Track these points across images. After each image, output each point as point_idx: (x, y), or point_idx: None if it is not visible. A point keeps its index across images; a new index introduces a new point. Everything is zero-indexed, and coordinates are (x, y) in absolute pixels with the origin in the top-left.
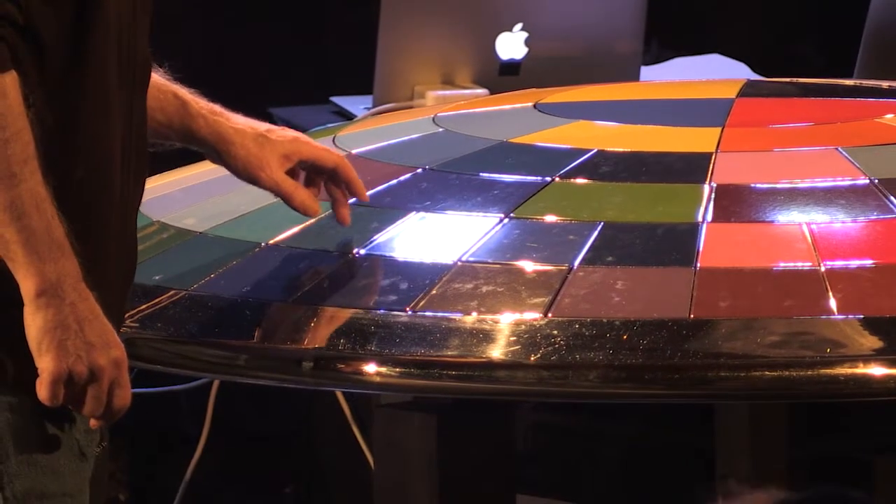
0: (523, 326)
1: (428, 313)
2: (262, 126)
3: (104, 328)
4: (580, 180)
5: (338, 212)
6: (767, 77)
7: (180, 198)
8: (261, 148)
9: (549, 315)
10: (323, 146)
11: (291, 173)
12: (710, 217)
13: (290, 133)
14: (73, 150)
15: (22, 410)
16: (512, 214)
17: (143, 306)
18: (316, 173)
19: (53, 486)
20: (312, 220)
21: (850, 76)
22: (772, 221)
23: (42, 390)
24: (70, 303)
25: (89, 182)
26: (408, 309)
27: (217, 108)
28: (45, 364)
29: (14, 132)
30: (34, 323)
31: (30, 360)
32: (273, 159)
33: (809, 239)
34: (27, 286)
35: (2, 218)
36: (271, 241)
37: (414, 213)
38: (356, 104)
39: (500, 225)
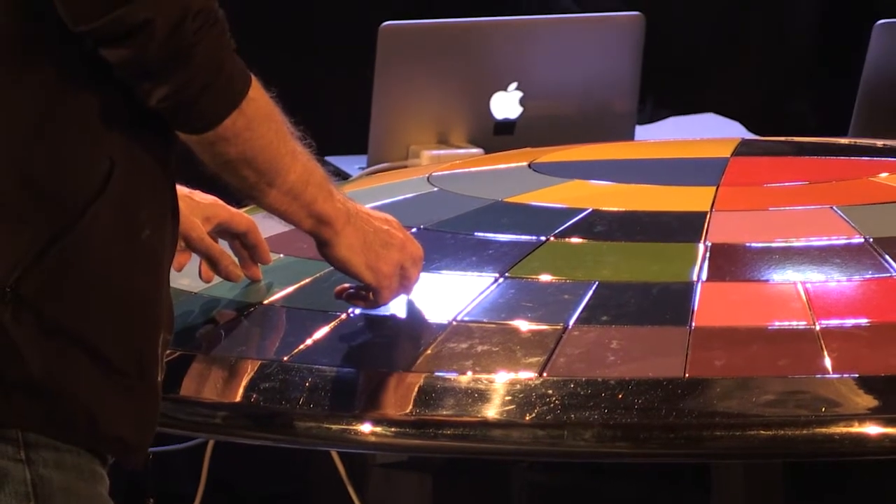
0: (518, 386)
1: (423, 373)
2: (185, 188)
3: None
4: (575, 239)
5: (249, 270)
6: (762, 136)
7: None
8: (190, 210)
9: (544, 374)
10: (236, 210)
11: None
12: (704, 276)
13: (209, 196)
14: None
15: (64, 468)
16: (507, 274)
17: None
18: (228, 236)
19: None
20: (308, 280)
21: (844, 135)
22: (767, 280)
23: (385, 295)
24: (356, 214)
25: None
26: (402, 369)
27: None
28: (375, 273)
29: (282, 117)
30: (349, 245)
31: (70, 415)
32: (198, 221)
33: (804, 298)
34: (333, 216)
35: (302, 179)
36: (265, 302)
37: None
38: (351, 164)
39: (496, 284)
